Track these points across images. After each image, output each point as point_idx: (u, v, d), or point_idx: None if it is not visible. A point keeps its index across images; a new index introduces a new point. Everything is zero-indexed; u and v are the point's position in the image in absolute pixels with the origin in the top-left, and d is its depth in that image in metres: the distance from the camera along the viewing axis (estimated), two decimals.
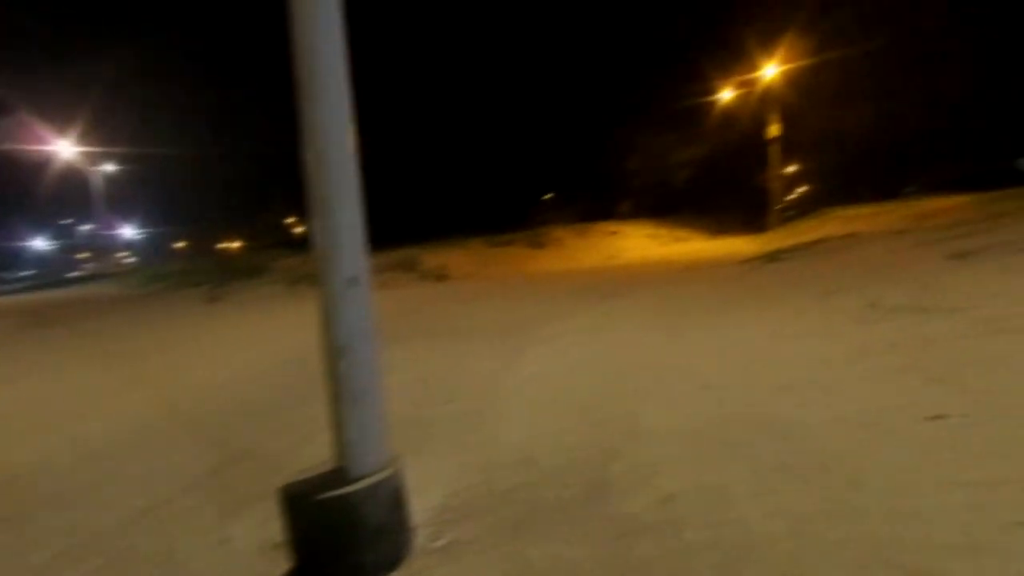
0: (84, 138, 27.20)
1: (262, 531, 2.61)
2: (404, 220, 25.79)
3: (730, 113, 23.47)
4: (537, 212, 29.54)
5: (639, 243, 21.32)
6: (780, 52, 19.63)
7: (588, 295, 9.41)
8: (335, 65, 2.01)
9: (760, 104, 21.21)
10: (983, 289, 5.17)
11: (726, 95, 22.27)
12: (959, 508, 2.14)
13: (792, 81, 20.51)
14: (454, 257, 16.54)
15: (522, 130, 28.41)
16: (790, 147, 25.44)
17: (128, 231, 47.98)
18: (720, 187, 30.72)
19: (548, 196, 33.07)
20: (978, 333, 4.33)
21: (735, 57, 21.15)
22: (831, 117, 24.32)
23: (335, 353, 2.04)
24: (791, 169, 31.81)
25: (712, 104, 23.21)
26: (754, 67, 20.32)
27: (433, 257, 16.16)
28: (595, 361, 5.06)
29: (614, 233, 22.40)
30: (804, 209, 28.18)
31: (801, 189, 38.07)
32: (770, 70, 19.96)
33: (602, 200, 31.10)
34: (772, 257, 10.24)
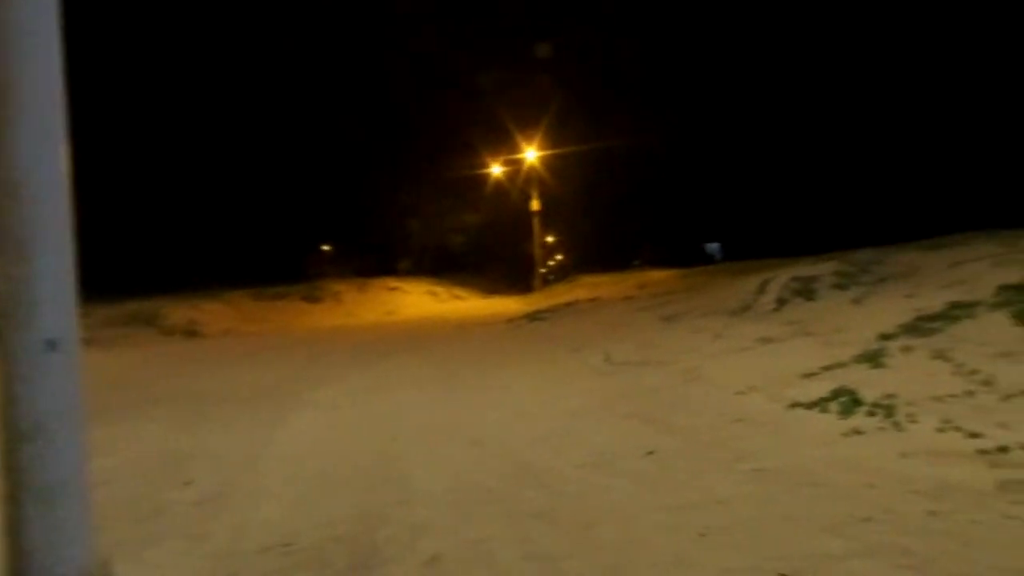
0: None
1: None
2: (147, 266, 21.85)
3: (501, 187, 26.16)
4: (313, 264, 28.09)
5: (419, 300, 21.76)
6: (537, 139, 22.86)
7: (365, 353, 9.15)
8: (46, 66, 1.63)
9: (525, 181, 24.19)
10: (682, 345, 6.57)
11: (496, 170, 24.82)
12: (664, 528, 2.59)
13: (549, 165, 23.98)
14: (209, 310, 14.53)
15: (299, 179, 27.07)
16: (550, 220, 29.32)
17: None
18: (492, 251, 33.57)
19: (326, 248, 31.78)
20: (679, 382, 5.45)
21: (503, 138, 23.92)
22: (580, 198, 28.95)
23: (19, 437, 1.61)
24: (551, 239, 36.51)
25: (485, 177, 25.60)
26: (518, 149, 23.22)
27: (181, 310, 13.93)
28: (368, 425, 4.90)
29: (394, 289, 22.47)
30: (561, 274, 32.47)
31: (559, 257, 43.78)
32: (531, 153, 23.00)
33: (383, 256, 31.13)
34: (533, 316, 11.44)
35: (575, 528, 2.69)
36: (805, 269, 7.72)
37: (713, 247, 28.00)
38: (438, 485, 3.34)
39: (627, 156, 27.46)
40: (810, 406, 4.06)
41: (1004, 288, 5.06)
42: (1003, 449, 2.92)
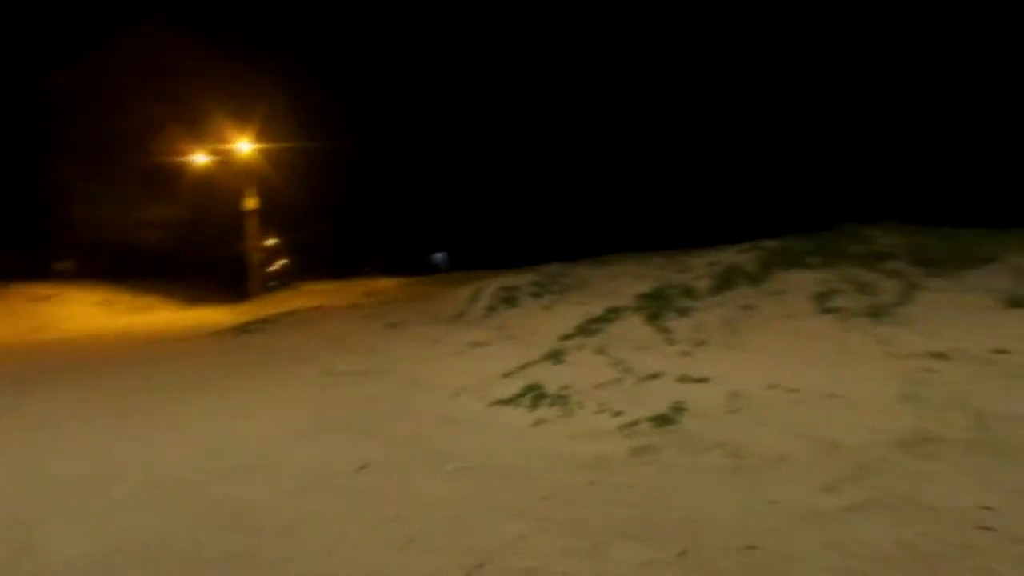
0: None
1: None
2: None
3: (213, 180, 22.71)
4: None
5: (86, 312, 17.26)
6: (252, 130, 20.58)
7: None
8: None
9: (239, 175, 21.50)
10: (404, 352, 6.72)
11: (201, 159, 21.47)
12: (370, 544, 2.58)
13: (274, 160, 21.82)
14: None
15: None
16: (275, 221, 26.73)
17: None
18: (200, 253, 28.92)
19: None
20: (399, 388, 5.55)
21: (212, 123, 20.85)
22: (310, 200, 27.22)
23: None
24: (272, 241, 33.35)
25: (188, 165, 21.87)
26: (229, 138, 20.51)
27: None
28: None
29: (49, 298, 17.38)
30: (285, 280, 29.91)
31: (283, 261, 40.33)
32: (244, 145, 20.58)
33: (32, 255, 23.78)
34: (244, 328, 10.25)
35: (275, 562, 2.46)
36: (510, 280, 8.75)
37: (439, 257, 29.67)
38: (92, 549, 2.66)
39: (358, 160, 27.09)
40: (508, 402, 4.60)
41: (640, 296, 6.62)
42: (635, 423, 3.79)
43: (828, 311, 5.27)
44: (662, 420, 3.77)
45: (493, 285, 8.72)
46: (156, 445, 4.28)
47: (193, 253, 29.22)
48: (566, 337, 6.03)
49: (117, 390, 6.31)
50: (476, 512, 2.84)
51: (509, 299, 8.07)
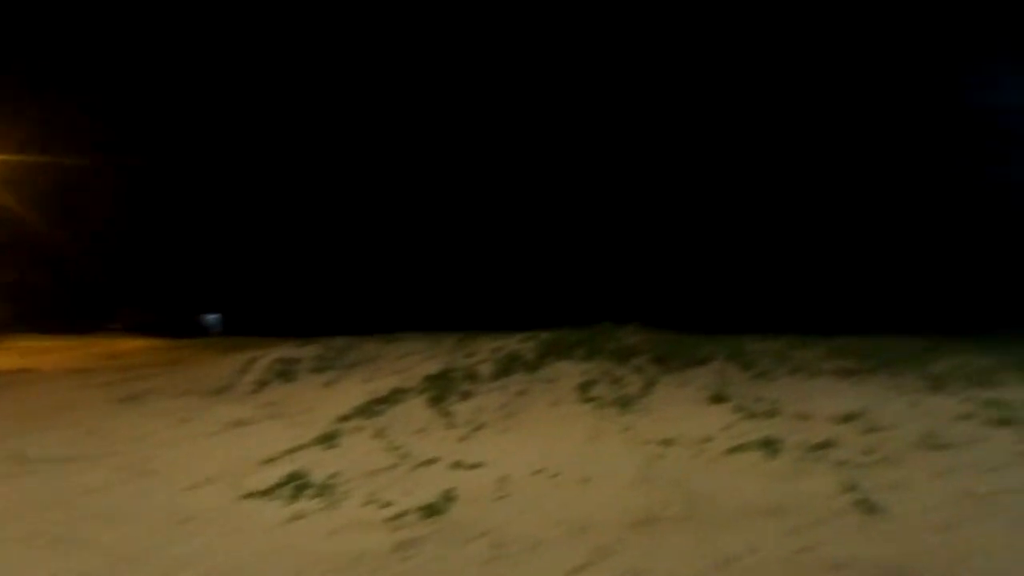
0: None
1: None
2: None
3: None
4: None
5: None
6: None
7: None
8: None
9: None
10: (136, 432, 5.56)
11: None
12: None
13: None
14: None
15: None
16: None
17: None
18: None
19: None
20: (120, 480, 4.50)
21: None
22: (34, 236, 21.95)
23: None
24: None
25: None
26: None
27: None
28: None
29: None
30: None
31: None
32: None
33: None
34: None
35: None
36: (290, 350, 8.06)
37: (212, 318, 26.03)
38: None
39: (119, 188, 22.98)
40: (263, 494, 4.04)
41: (427, 377, 6.62)
42: (403, 514, 3.62)
43: (588, 400, 5.90)
44: (431, 510, 3.67)
45: (270, 355, 7.92)
46: None
47: None
48: (344, 418, 5.66)
49: None
50: None
51: (286, 372, 7.38)
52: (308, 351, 7.93)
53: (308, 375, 7.28)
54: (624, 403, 5.69)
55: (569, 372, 6.69)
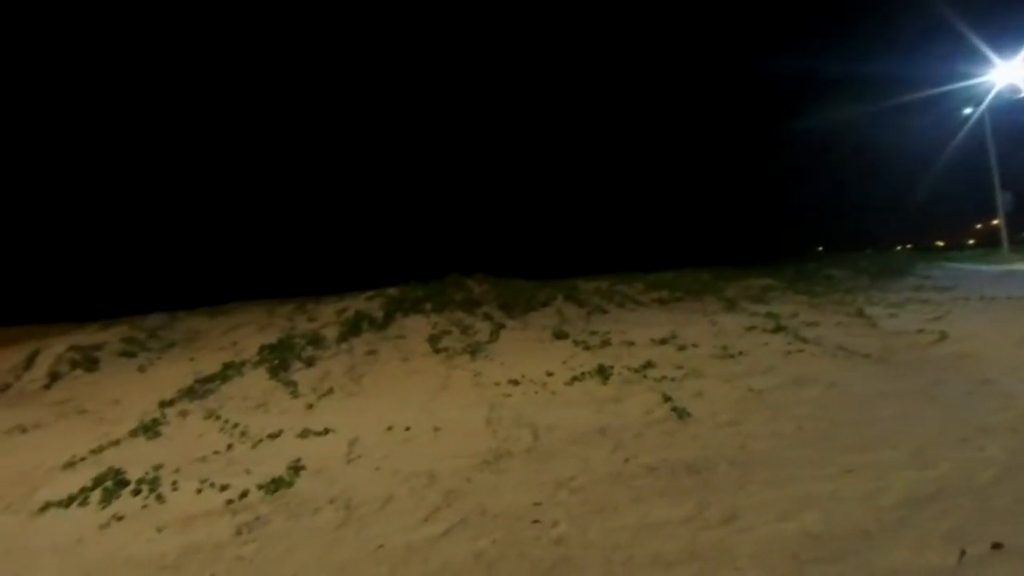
0: None
1: None
2: None
3: None
4: None
5: None
6: None
7: None
8: None
9: None
10: None
11: None
12: None
13: None
14: None
15: None
16: None
17: None
18: None
19: None
20: None
21: None
22: None
23: None
24: None
25: None
26: None
27: None
28: None
29: None
30: None
31: None
32: None
33: None
34: None
35: None
36: (89, 336, 6.88)
37: None
38: None
39: None
40: (67, 503, 3.48)
41: (264, 348, 6.14)
42: (244, 494, 3.38)
43: (438, 351, 5.97)
44: (276, 484, 3.48)
45: (61, 344, 6.69)
46: None
47: None
48: (166, 403, 5.05)
49: None
50: None
51: (86, 361, 6.31)
52: (112, 334, 6.83)
53: (115, 361, 6.30)
54: (473, 350, 5.85)
55: (419, 326, 6.68)
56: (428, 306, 7.29)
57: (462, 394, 4.84)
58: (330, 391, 5.23)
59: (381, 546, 2.69)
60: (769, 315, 6.94)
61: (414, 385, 5.13)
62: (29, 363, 6.42)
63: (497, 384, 5.01)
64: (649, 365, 5.24)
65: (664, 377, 4.93)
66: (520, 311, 7.07)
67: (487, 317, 6.91)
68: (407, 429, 4.19)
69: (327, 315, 7.31)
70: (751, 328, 6.35)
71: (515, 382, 5.01)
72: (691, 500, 2.85)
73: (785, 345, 5.74)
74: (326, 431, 4.29)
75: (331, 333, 6.60)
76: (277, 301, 8.41)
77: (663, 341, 5.93)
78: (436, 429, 4.15)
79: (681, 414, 4.09)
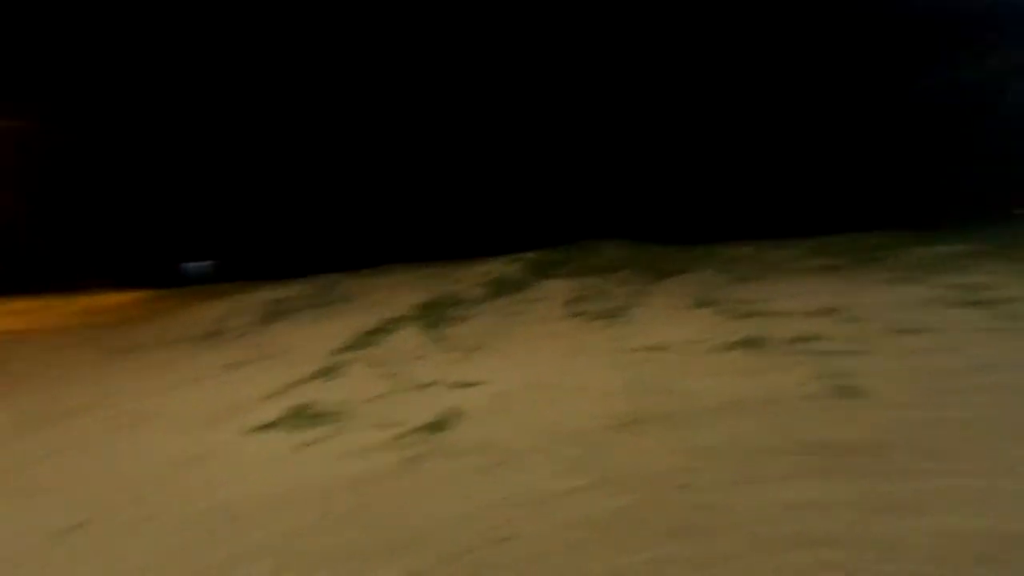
0: None
1: None
2: None
3: None
4: None
5: None
6: None
7: None
8: None
9: None
10: (128, 383, 5.63)
11: None
12: None
13: None
14: None
15: None
16: None
17: None
18: None
19: None
20: (120, 427, 4.62)
21: None
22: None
23: None
24: None
25: None
26: None
27: None
28: None
29: None
30: None
31: None
32: None
33: None
34: None
35: None
36: (276, 292, 8.05)
37: (197, 266, 25.62)
38: None
39: (79, 141, 21.89)
40: (269, 427, 4.19)
41: (416, 306, 6.71)
42: (407, 433, 3.80)
43: (576, 315, 6.06)
44: (433, 427, 3.86)
45: (256, 298, 7.91)
46: None
47: None
48: (339, 351, 5.78)
49: None
50: (216, 563, 2.52)
51: (274, 314, 7.41)
52: (295, 290, 7.92)
53: (296, 314, 7.32)
54: (611, 315, 5.85)
55: (555, 290, 6.82)
56: (565, 270, 7.40)
57: (600, 357, 4.89)
58: (476, 347, 5.59)
59: (521, 493, 2.87)
60: (958, 286, 5.97)
61: (553, 346, 5.28)
62: (232, 313, 7.70)
63: (635, 350, 4.98)
64: (806, 337, 4.82)
65: (824, 351, 4.52)
66: (659, 277, 6.89)
67: (624, 282, 6.84)
68: (548, 387, 4.36)
69: (471, 278, 7.75)
70: (933, 300, 5.54)
71: (654, 348, 4.93)
72: (854, 483, 2.63)
73: (976, 321, 4.93)
74: (475, 383, 4.62)
75: (475, 294, 7.01)
76: (426, 264, 9.09)
77: (822, 312, 5.41)
78: (576, 390, 4.26)
79: (843, 391, 3.74)
